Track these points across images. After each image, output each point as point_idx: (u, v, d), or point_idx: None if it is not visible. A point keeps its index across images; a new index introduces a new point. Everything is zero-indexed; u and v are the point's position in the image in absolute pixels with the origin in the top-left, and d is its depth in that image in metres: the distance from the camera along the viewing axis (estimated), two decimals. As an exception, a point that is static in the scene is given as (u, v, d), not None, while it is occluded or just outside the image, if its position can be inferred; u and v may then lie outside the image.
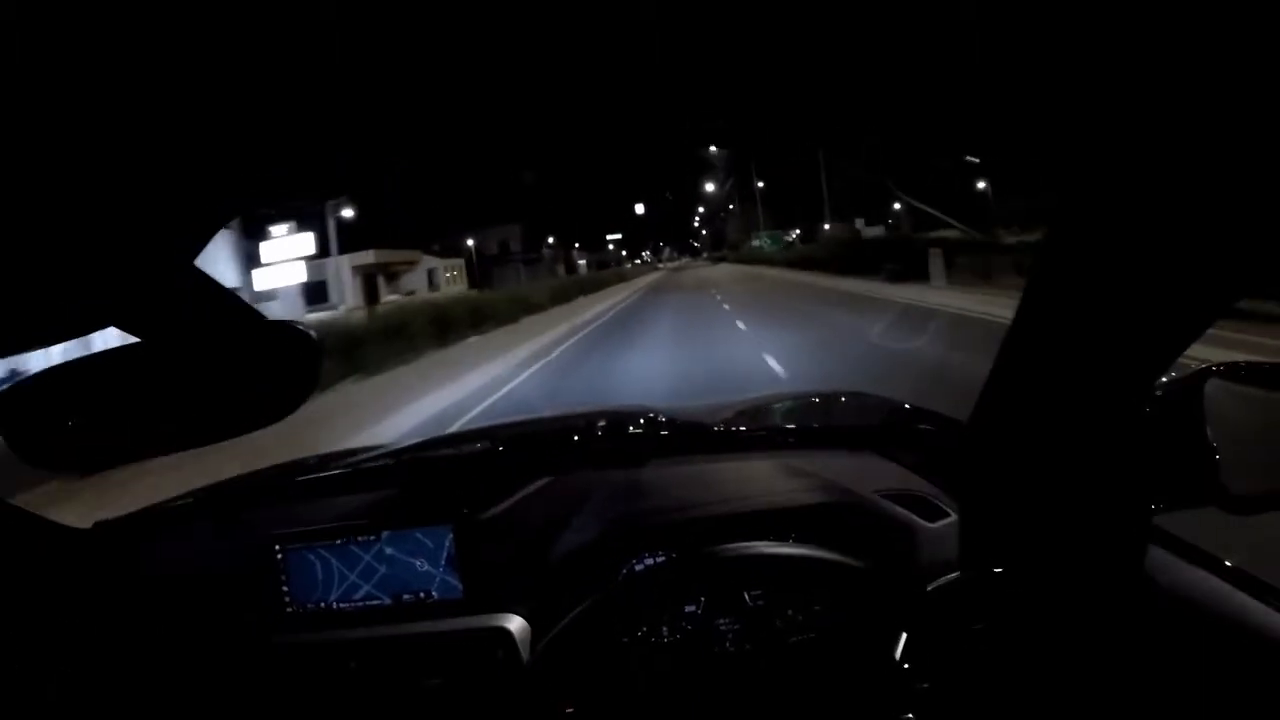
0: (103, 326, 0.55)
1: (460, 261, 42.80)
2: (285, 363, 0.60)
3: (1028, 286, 0.62)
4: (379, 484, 1.17)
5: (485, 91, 0.41)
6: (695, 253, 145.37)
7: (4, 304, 0.46)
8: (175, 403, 0.59)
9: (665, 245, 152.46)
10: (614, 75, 0.41)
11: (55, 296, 0.48)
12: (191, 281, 0.53)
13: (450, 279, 38.84)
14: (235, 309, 0.56)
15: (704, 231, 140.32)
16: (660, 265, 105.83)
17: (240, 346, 0.59)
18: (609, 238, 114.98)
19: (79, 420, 0.59)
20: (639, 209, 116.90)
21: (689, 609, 0.90)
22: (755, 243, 55.31)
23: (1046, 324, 0.61)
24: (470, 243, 48.65)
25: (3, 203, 0.35)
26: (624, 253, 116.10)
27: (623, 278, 50.59)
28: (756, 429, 1.25)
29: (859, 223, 44.81)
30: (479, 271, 47.32)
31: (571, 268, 63.56)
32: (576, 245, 70.83)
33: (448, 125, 0.45)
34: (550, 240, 60.06)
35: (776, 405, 1.58)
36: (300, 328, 0.59)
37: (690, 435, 1.20)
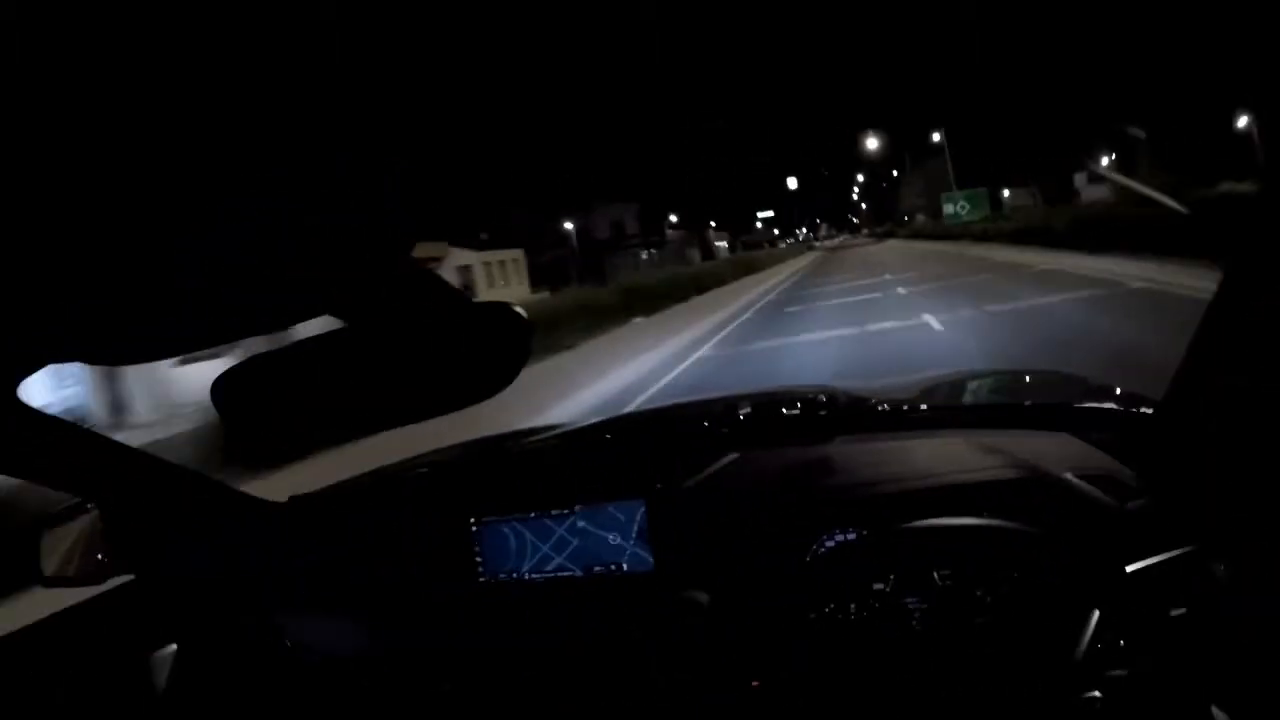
0: (317, 315, 0.57)
1: (516, 254, 33.42)
2: (496, 340, 0.61)
3: (1232, 260, 0.59)
4: (571, 460, 1.22)
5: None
6: (855, 229, 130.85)
7: (227, 296, 0.50)
8: (387, 383, 0.61)
9: (821, 222, 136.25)
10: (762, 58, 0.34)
11: (274, 288, 0.51)
12: (403, 268, 0.56)
13: (499, 276, 29.86)
14: (445, 293, 0.59)
15: (863, 205, 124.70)
16: (816, 244, 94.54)
17: (451, 326, 0.60)
18: (760, 215, 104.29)
19: (294, 402, 0.62)
20: (792, 183, 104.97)
21: (878, 587, 0.88)
22: (949, 208, 37.85)
23: (1250, 301, 0.59)
24: (569, 225, 40.37)
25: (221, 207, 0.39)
26: (775, 231, 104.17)
27: (756, 266, 35.46)
28: (945, 405, 1.22)
29: (1079, 180, 31.23)
30: (585, 262, 39.06)
31: (709, 251, 53.64)
32: (713, 225, 60.22)
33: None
34: (674, 219, 50.15)
35: (966, 383, 1.53)
36: (513, 308, 0.61)
37: (877, 411, 1.20)
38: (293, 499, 1.15)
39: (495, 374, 0.60)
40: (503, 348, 0.60)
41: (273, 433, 0.67)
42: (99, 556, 1.02)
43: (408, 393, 0.62)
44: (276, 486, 1.22)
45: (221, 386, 0.59)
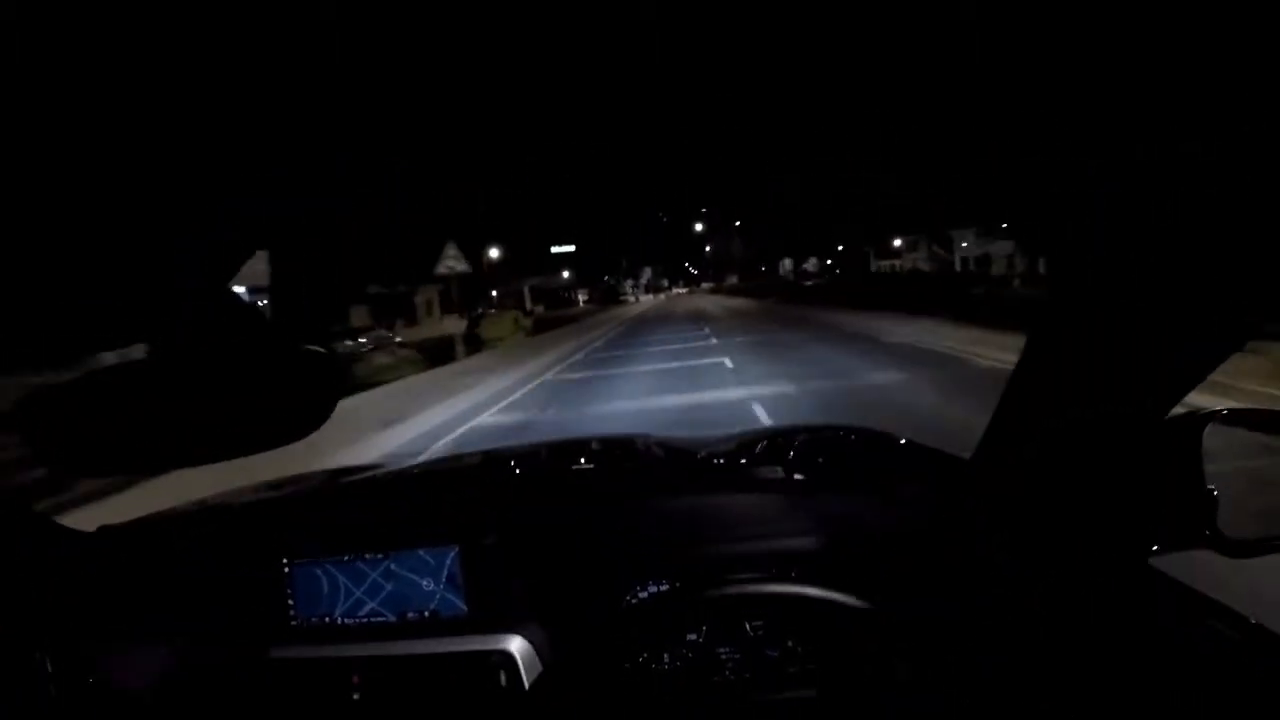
0: (134, 341, 0.57)
1: None
2: (307, 382, 0.61)
3: (1034, 326, 0.64)
4: (387, 502, 1.20)
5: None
6: (694, 280, 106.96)
7: (34, 318, 0.50)
8: (200, 416, 0.60)
9: (645, 267, 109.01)
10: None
11: (87, 310, 0.51)
12: (220, 300, 0.56)
13: None
14: (261, 329, 0.57)
15: (708, 247, 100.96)
16: (628, 296, 69.81)
17: (265, 365, 0.61)
18: (555, 249, 77.40)
19: (103, 427, 0.61)
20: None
21: (690, 637, 0.91)
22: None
23: (1051, 366, 0.63)
24: None
25: (28, 215, 0.41)
26: (564, 276, 76.85)
27: None
28: (761, 465, 1.24)
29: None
30: None
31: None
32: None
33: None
34: None
35: (781, 440, 1.54)
36: (321, 350, 0.61)
37: (695, 464, 1.25)
38: (102, 529, 1.08)
39: (307, 415, 0.58)
40: (315, 389, 0.59)
41: (81, 459, 0.63)
42: None
43: (219, 428, 0.60)
44: (93, 517, 1.12)
45: (28, 409, 0.56)
